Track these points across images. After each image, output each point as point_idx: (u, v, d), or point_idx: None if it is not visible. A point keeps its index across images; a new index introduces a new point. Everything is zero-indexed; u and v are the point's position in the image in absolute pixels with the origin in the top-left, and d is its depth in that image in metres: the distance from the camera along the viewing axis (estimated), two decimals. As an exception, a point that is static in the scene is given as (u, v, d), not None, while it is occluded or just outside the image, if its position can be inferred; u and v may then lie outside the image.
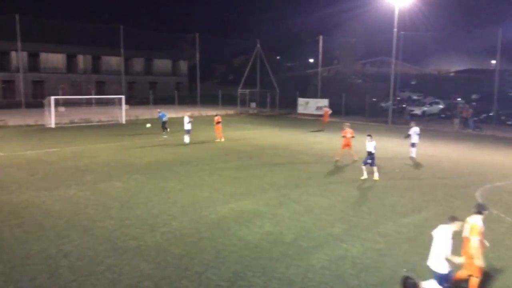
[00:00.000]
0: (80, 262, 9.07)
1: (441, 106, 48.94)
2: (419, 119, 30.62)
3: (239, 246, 10.02)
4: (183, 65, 79.58)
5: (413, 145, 21.43)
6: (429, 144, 26.13)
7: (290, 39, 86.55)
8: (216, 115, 27.65)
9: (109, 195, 14.15)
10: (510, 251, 10.13)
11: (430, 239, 10.59)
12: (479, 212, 7.97)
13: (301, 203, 13.63)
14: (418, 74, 74.06)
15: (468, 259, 7.67)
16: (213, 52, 73.78)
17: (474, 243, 7.55)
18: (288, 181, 16.57)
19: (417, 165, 20.37)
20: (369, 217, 12.37)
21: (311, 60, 77.35)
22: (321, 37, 50.38)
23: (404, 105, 48.98)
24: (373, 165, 17.05)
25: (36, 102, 43.98)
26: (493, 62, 78.64)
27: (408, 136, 21.64)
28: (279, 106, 51.65)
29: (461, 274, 7.89)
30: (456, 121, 37.98)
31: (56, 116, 34.52)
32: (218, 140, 26.64)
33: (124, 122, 37.57)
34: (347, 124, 21.70)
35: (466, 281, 7.86)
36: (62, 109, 41.77)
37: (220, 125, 26.98)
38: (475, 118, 37.33)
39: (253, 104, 53.86)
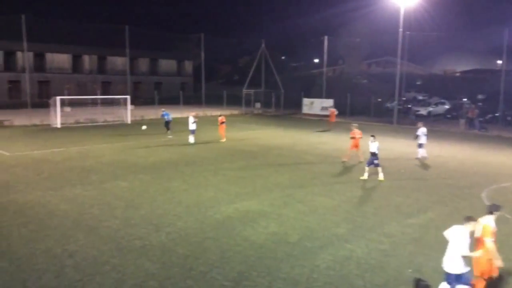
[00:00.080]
0: (85, 261, 9.10)
1: (446, 107, 48.73)
2: (425, 120, 30.47)
3: (244, 246, 10.03)
4: (188, 65, 79.71)
5: (420, 145, 21.32)
6: (435, 144, 26.02)
7: (295, 39, 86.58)
8: (220, 115, 27.68)
9: (114, 195, 14.20)
10: (516, 252, 10.06)
11: (435, 240, 10.58)
12: (491, 213, 7.89)
13: (306, 203, 13.62)
14: (424, 74, 73.88)
15: (478, 259, 7.57)
16: (218, 52, 73.87)
17: (488, 244, 7.45)
18: (293, 181, 16.56)
19: (422, 165, 20.30)
20: (374, 217, 12.34)
21: (316, 60, 77.33)
22: (326, 37, 50.32)
23: (409, 106, 48.84)
24: (378, 166, 17.00)
25: (42, 102, 44.17)
26: (499, 62, 78.33)
27: (417, 137, 21.50)
28: (284, 106, 51.62)
29: (480, 284, 7.70)
30: (462, 121, 37.81)
31: (61, 116, 34.65)
32: (223, 140, 26.65)
33: (129, 122, 37.67)
34: (355, 124, 21.61)
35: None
36: (67, 109, 41.91)
37: (224, 125, 27.01)
38: (481, 119, 37.15)
39: (258, 104, 53.85)
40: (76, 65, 65.90)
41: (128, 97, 39.58)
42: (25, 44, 37.42)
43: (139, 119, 39.39)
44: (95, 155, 21.64)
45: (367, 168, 17.14)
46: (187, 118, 26.80)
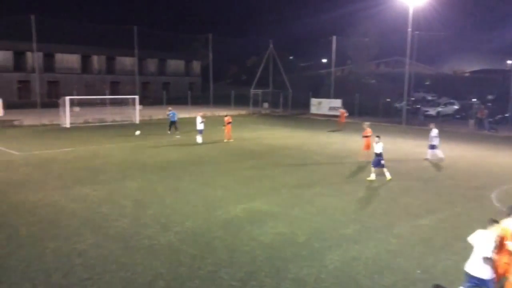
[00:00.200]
0: (94, 260, 9.15)
1: (456, 107, 48.41)
2: (434, 120, 30.31)
3: (252, 246, 10.02)
4: (196, 66, 79.93)
5: (432, 147, 21.08)
6: (444, 145, 25.78)
7: (303, 39, 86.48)
8: (226, 116, 27.69)
9: (123, 194, 14.26)
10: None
11: (445, 241, 10.52)
12: (509, 215, 7.76)
13: (314, 203, 13.59)
14: (433, 74, 73.48)
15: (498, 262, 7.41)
16: (226, 52, 73.96)
17: (510, 247, 7.31)
18: (301, 182, 16.53)
19: (431, 166, 20.17)
20: (382, 218, 12.28)
21: (324, 60, 77.14)
22: (334, 37, 50.17)
23: (418, 106, 48.57)
24: (383, 166, 16.95)
25: (51, 102, 44.51)
26: (509, 62, 77.73)
27: (432, 138, 21.20)
28: (291, 107, 51.55)
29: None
30: (471, 122, 37.52)
31: (71, 116, 34.89)
32: (231, 140, 26.65)
33: (138, 122, 37.82)
34: (366, 123, 21.48)
35: None
36: (77, 109, 42.21)
37: (230, 125, 27.01)
38: (490, 119, 36.84)
39: (266, 104, 53.84)
40: (85, 65, 66.32)
41: (137, 97, 39.74)
42: (34, 45, 37.73)
43: (148, 119, 39.56)
44: (104, 154, 21.76)
45: (373, 169, 17.08)
46: (195, 118, 26.87)
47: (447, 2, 57.11)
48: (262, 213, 12.52)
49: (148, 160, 20.42)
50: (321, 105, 47.62)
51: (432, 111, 46.29)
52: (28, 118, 35.46)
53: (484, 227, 7.44)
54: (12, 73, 58.51)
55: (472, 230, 11.30)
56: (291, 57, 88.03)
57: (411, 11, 36.96)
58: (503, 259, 7.41)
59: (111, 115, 40.23)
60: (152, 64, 72.88)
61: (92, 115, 39.13)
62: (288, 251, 9.78)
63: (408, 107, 41.25)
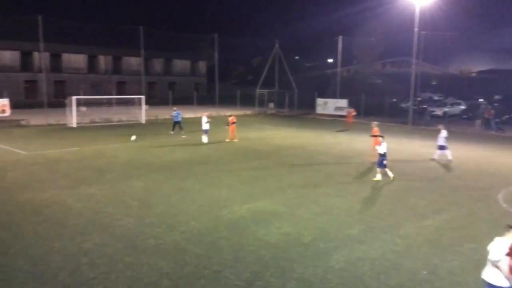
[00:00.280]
0: (100, 260, 9.18)
1: (462, 107, 48.16)
2: (440, 120, 30.17)
3: (257, 246, 10.02)
4: (202, 66, 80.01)
5: (441, 147, 20.93)
6: (451, 145, 25.56)
7: (309, 39, 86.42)
8: (230, 116, 27.69)
9: (128, 194, 14.31)
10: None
11: (451, 241, 10.48)
12: None
13: (320, 203, 13.57)
14: (439, 74, 73.14)
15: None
16: (232, 52, 74.03)
17: None
18: (306, 182, 16.51)
19: (437, 166, 20.09)
20: (388, 218, 12.25)
21: (330, 60, 77.00)
22: (340, 37, 50.07)
23: (425, 106, 48.38)
24: (385, 167, 16.91)
25: (58, 102, 44.76)
26: (517, 62, 77.12)
27: (445, 139, 21.05)
28: (297, 107, 51.50)
29: None
30: (478, 122, 37.33)
31: (77, 115, 35.03)
32: (235, 140, 26.67)
33: (144, 122, 37.93)
34: (375, 122, 21.37)
35: None
36: (83, 108, 42.39)
37: (234, 125, 27.01)
38: (497, 119, 36.61)
39: (271, 104, 53.82)
40: (92, 65, 66.57)
41: (143, 97, 39.86)
42: (41, 45, 37.97)
43: (154, 119, 39.66)
44: (110, 154, 21.84)
45: (378, 170, 17.03)
46: (200, 118, 26.90)
47: (453, 2, 56.88)
48: (268, 213, 12.52)
49: (154, 160, 20.47)
50: (327, 105, 47.53)
51: (438, 111, 46.09)
52: (35, 118, 35.65)
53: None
54: (19, 73, 58.85)
55: (478, 231, 11.30)
56: (297, 57, 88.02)
57: (417, 11, 36.80)
58: None
59: (117, 115, 40.37)
60: (158, 64, 73.05)
61: (99, 115, 39.28)
62: (294, 251, 9.77)
63: (415, 107, 41.08)
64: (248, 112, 49.25)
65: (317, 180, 16.90)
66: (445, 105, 48.91)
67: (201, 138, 25.95)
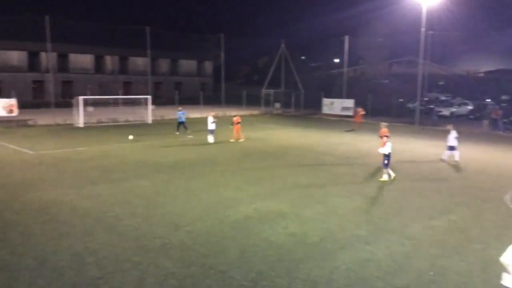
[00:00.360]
0: (107, 259, 9.21)
1: (469, 107, 47.86)
2: (447, 120, 30.00)
3: (263, 247, 10.01)
4: (208, 66, 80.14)
5: (451, 148, 20.79)
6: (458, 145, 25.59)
7: (315, 39, 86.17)
8: (235, 116, 27.68)
9: (135, 194, 14.34)
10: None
11: (458, 242, 10.42)
12: None
13: (326, 204, 13.53)
14: (446, 74, 72.69)
15: None
16: (238, 52, 74.03)
17: None
18: (313, 182, 16.47)
19: (445, 167, 19.98)
20: (395, 219, 12.19)
21: (336, 60, 76.80)
22: (346, 37, 49.94)
23: (431, 106, 48.15)
24: (387, 167, 16.87)
25: (65, 102, 44.95)
26: (525, 62, 76.48)
27: (456, 139, 20.90)
28: (303, 107, 51.44)
29: None
30: (485, 122, 37.10)
31: (84, 115, 35.20)
32: (241, 140, 26.66)
33: (150, 122, 38.04)
34: (384, 123, 21.21)
35: None
36: (90, 108, 42.55)
37: (239, 125, 27.00)
38: (505, 120, 36.35)
39: (278, 104, 53.79)
40: (99, 66, 66.88)
41: (149, 97, 39.96)
42: (49, 45, 38.15)
43: (160, 119, 39.75)
44: (116, 154, 21.91)
45: (385, 170, 16.98)
46: (206, 118, 26.94)
47: (461, 1, 56.52)
48: (274, 213, 12.50)
49: (160, 159, 20.52)
50: (333, 105, 47.41)
51: (445, 112, 45.85)
52: (42, 118, 35.84)
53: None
54: (27, 73, 59.24)
55: (486, 232, 11.22)
56: (303, 57, 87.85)
57: (424, 11, 36.64)
58: None
59: (124, 115, 40.51)
60: (164, 64, 73.25)
61: (105, 115, 39.43)
62: (300, 252, 9.75)
63: (421, 108, 40.89)
64: (254, 112, 49.25)
65: (324, 180, 16.86)
66: (452, 105, 48.63)
67: (207, 138, 25.97)
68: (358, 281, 8.43)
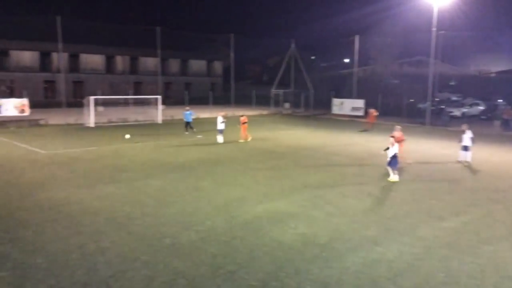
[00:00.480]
0: (117, 258, 9.26)
1: (481, 108, 47.44)
2: (459, 121, 29.75)
3: (272, 247, 10.00)
4: (218, 66, 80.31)
5: (465, 148, 20.58)
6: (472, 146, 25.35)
7: (325, 39, 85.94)
8: (242, 116, 27.68)
9: (145, 193, 14.41)
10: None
11: (469, 244, 10.33)
12: None
13: (336, 204, 13.48)
14: (458, 74, 72.09)
15: None
16: (248, 52, 74.10)
17: None
18: (322, 182, 16.43)
19: (456, 168, 19.81)
20: (405, 220, 12.11)
21: (347, 60, 76.52)
22: (357, 37, 49.74)
23: (442, 106, 47.77)
24: (388, 166, 16.78)
25: (76, 102, 45.38)
26: (538, 62, 75.58)
27: (470, 139, 20.70)
28: (313, 107, 51.31)
29: None
30: (497, 123, 36.74)
31: (95, 115, 35.45)
32: (244, 140, 26.61)
33: (160, 122, 38.20)
34: (398, 127, 20.97)
35: None
36: (101, 108, 42.88)
37: (246, 125, 26.98)
38: (517, 120, 35.99)
39: (287, 104, 53.74)
40: (109, 66, 67.35)
41: (159, 97, 40.16)
42: (60, 45, 38.52)
43: (170, 119, 39.91)
44: (127, 154, 22.03)
45: (395, 171, 16.86)
46: (216, 118, 26.98)
47: (472, 1, 55.97)
48: (283, 213, 12.49)
49: (170, 159, 20.59)
50: (343, 105, 47.25)
51: (456, 112, 45.48)
52: (54, 118, 36.17)
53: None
54: (39, 73, 59.83)
55: (497, 233, 11.10)
56: (312, 57, 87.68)
57: (435, 10, 36.38)
58: None
59: (134, 114, 40.76)
60: (174, 65, 73.53)
61: (116, 115, 39.70)
62: (309, 252, 9.73)
63: (433, 108, 40.60)
64: (264, 112, 49.24)
65: (333, 180, 16.81)
66: (463, 105, 48.22)
67: (216, 138, 26.02)
68: (368, 282, 8.39)
